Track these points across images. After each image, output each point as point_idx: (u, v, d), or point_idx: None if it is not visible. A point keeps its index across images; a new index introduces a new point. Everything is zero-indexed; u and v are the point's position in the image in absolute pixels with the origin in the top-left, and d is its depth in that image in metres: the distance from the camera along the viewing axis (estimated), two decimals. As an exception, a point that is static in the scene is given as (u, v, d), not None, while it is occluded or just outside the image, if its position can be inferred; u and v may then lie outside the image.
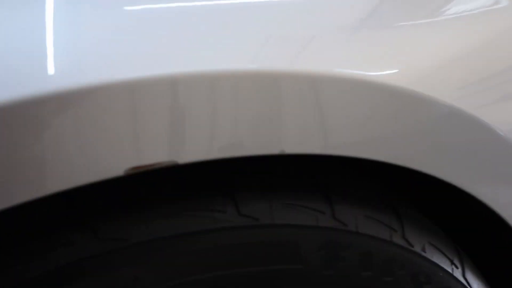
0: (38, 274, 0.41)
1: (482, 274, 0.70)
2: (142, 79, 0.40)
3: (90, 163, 0.39)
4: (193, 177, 0.49)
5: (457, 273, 0.62)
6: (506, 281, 0.73)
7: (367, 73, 0.50)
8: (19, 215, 0.42)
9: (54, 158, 0.38)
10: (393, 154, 0.53)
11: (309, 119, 0.47)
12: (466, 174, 0.57)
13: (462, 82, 0.56)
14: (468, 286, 0.63)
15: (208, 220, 0.47)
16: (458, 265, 0.63)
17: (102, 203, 0.45)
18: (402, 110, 0.51)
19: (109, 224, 0.44)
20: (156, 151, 0.42)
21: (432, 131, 0.53)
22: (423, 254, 0.58)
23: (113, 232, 0.44)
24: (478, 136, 0.55)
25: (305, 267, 0.51)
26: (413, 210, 0.63)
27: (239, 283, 0.49)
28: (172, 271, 0.45)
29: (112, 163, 0.40)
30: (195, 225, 0.46)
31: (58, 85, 0.39)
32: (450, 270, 0.60)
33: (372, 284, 0.55)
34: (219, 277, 0.48)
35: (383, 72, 0.51)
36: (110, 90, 0.39)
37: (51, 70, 0.39)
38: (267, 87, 0.44)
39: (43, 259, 0.42)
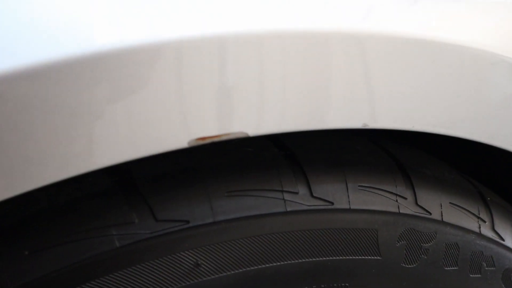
0: (92, 255, 0.37)
1: None
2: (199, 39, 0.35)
3: (152, 133, 0.34)
4: (261, 153, 0.43)
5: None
6: None
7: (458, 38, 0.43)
8: (74, 191, 0.38)
9: (114, 127, 0.34)
10: (482, 131, 0.46)
11: (397, 87, 0.40)
12: None
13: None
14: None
15: (277, 201, 0.41)
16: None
17: (160, 179, 0.40)
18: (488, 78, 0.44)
19: (168, 204, 0.39)
20: (221, 122, 0.36)
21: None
22: (515, 249, 0.51)
23: (172, 213, 0.39)
24: None
25: (383, 259, 0.45)
26: (499, 197, 0.55)
27: (309, 275, 0.43)
28: (236, 258, 0.40)
29: (175, 134, 0.35)
30: (263, 207, 0.41)
31: (111, 46, 0.34)
32: (545, 269, 0.53)
33: (457, 281, 0.48)
34: (287, 267, 0.42)
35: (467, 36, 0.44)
36: (162, 51, 0.34)
37: (99, 31, 0.35)
38: (353, 52, 0.38)
39: (97, 239, 0.37)
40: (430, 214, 0.47)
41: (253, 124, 0.37)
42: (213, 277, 0.39)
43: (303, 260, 0.43)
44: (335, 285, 0.45)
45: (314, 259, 0.43)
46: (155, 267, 0.38)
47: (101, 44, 0.33)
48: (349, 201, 0.43)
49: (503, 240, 0.50)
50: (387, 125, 0.42)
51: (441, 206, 0.47)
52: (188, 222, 0.39)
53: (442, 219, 0.47)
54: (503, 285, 0.50)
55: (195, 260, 0.39)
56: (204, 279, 0.39)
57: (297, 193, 0.42)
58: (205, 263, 0.39)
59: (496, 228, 0.50)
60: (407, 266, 0.46)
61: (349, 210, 0.43)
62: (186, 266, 0.39)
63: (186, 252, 0.39)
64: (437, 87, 0.43)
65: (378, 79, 0.40)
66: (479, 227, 0.49)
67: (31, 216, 0.37)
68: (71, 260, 0.36)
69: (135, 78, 0.34)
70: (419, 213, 0.46)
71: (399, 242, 0.45)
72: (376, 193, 0.45)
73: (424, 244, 0.46)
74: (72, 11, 0.36)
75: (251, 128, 0.37)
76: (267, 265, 0.41)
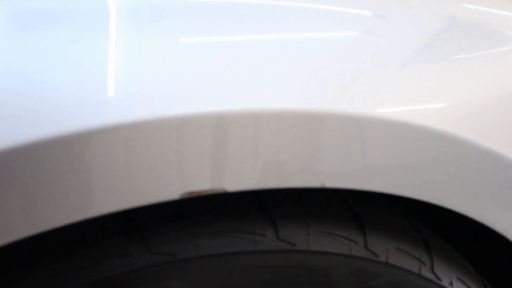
0: (93, 281, 0.47)
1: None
2: (197, 115, 0.45)
3: (151, 187, 0.44)
4: (239, 201, 0.53)
5: (483, 309, 0.65)
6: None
7: (406, 113, 0.53)
8: (91, 228, 0.48)
9: (120, 180, 0.43)
10: (428, 193, 0.55)
11: (348, 156, 0.50)
12: (500, 214, 0.59)
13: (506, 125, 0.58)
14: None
15: (250, 242, 0.51)
16: (485, 302, 0.65)
17: (156, 220, 0.50)
18: (439, 151, 0.54)
19: (161, 239, 0.49)
20: (208, 179, 0.46)
21: (468, 172, 0.56)
22: (450, 288, 0.61)
23: (164, 247, 0.49)
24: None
25: (334, 293, 0.55)
26: (443, 243, 0.65)
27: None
28: (213, 287, 0.50)
29: (170, 188, 0.45)
30: (237, 245, 0.51)
31: (125, 117, 0.43)
32: (475, 306, 0.63)
33: (399, 313, 0.58)
34: (255, 295, 0.52)
35: (421, 112, 0.53)
36: (166, 124, 0.44)
37: (112, 103, 0.44)
38: (309, 125, 0.48)
39: (98, 268, 0.47)
40: (377, 256, 0.56)
41: (233, 183, 0.47)
42: (193, 301, 0.49)
43: (268, 290, 0.52)
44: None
45: (276, 289, 0.53)
46: None
47: (114, 119, 0.43)
48: (309, 244, 0.53)
49: (440, 280, 0.60)
50: (343, 185, 0.52)
51: (388, 250, 0.57)
52: (176, 255, 0.49)
53: (387, 261, 0.57)
54: (438, 319, 0.60)
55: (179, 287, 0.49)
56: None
57: (266, 235, 0.52)
58: (187, 290, 0.49)
59: (435, 270, 0.60)
60: (354, 299, 0.56)
61: (308, 251, 0.53)
62: (172, 292, 0.49)
63: (173, 280, 0.48)
64: (392, 159, 0.52)
65: (338, 148, 0.50)
66: (420, 269, 0.59)
67: (57, 245, 0.47)
68: (85, 280, 0.46)
69: (142, 147, 0.44)
70: (367, 256, 0.56)
71: (349, 279, 0.55)
72: (332, 238, 0.54)
73: (371, 282, 0.56)
74: (94, 90, 0.45)
75: (231, 186, 0.47)
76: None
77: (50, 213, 0.43)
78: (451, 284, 0.61)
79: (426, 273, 0.59)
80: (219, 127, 0.45)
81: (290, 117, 0.47)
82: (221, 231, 0.51)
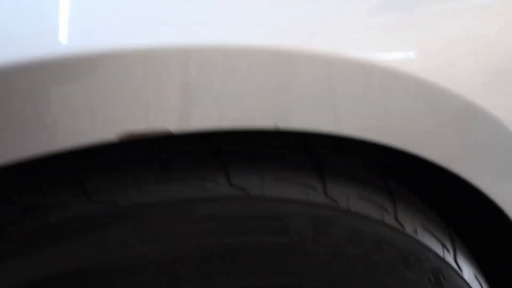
0: (30, 231, 0.43)
1: (476, 260, 0.70)
2: (149, 48, 0.41)
3: (84, 126, 0.40)
4: (187, 145, 0.49)
5: (448, 257, 0.63)
6: (503, 272, 0.73)
7: (378, 57, 0.49)
8: (17, 172, 0.44)
9: (53, 118, 0.39)
10: (396, 138, 0.52)
11: (311, 97, 0.47)
12: (472, 166, 0.57)
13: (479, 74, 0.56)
14: (459, 270, 0.64)
15: (199, 188, 0.48)
16: (450, 249, 0.63)
17: (95, 165, 0.46)
18: (408, 96, 0.51)
19: (101, 187, 0.45)
20: (151, 119, 0.42)
21: (438, 119, 0.53)
22: (414, 236, 0.58)
23: (104, 195, 0.45)
24: (489, 131, 0.55)
25: (291, 241, 0.52)
26: (407, 191, 0.63)
27: (224, 253, 0.50)
28: (158, 237, 0.46)
29: (106, 127, 0.41)
30: (185, 192, 0.47)
31: (66, 49, 0.39)
32: (441, 254, 0.61)
33: (360, 262, 0.55)
34: (204, 246, 0.49)
35: (395, 57, 0.50)
36: (115, 56, 0.40)
37: (62, 34, 0.40)
38: (274, 65, 0.44)
39: (36, 217, 0.43)
40: (338, 203, 0.53)
41: (177, 123, 0.43)
42: (136, 252, 0.46)
43: (220, 240, 0.49)
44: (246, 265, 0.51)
45: (230, 240, 0.49)
46: (83, 245, 0.44)
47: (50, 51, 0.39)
48: (263, 190, 0.50)
49: (404, 227, 0.58)
50: (295, 127, 0.48)
51: (349, 197, 0.54)
52: (116, 203, 0.45)
53: (348, 208, 0.54)
54: (402, 266, 0.58)
55: (122, 238, 0.45)
56: (129, 254, 0.46)
57: (216, 181, 0.48)
58: (131, 241, 0.45)
59: (398, 218, 0.58)
60: (312, 247, 0.53)
61: (263, 198, 0.50)
62: (114, 243, 0.45)
63: (114, 231, 0.45)
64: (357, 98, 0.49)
65: (300, 88, 0.46)
66: (382, 216, 0.56)
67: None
68: (19, 231, 0.42)
69: (78, 82, 0.39)
70: (327, 202, 0.53)
71: (308, 227, 0.52)
72: (288, 184, 0.51)
73: (331, 229, 0.53)
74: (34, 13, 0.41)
75: (173, 126, 0.43)
76: (187, 244, 0.48)
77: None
78: (415, 231, 0.59)
79: (389, 220, 0.57)
80: (168, 60, 0.41)
81: (249, 54, 0.43)
82: (167, 177, 0.47)
